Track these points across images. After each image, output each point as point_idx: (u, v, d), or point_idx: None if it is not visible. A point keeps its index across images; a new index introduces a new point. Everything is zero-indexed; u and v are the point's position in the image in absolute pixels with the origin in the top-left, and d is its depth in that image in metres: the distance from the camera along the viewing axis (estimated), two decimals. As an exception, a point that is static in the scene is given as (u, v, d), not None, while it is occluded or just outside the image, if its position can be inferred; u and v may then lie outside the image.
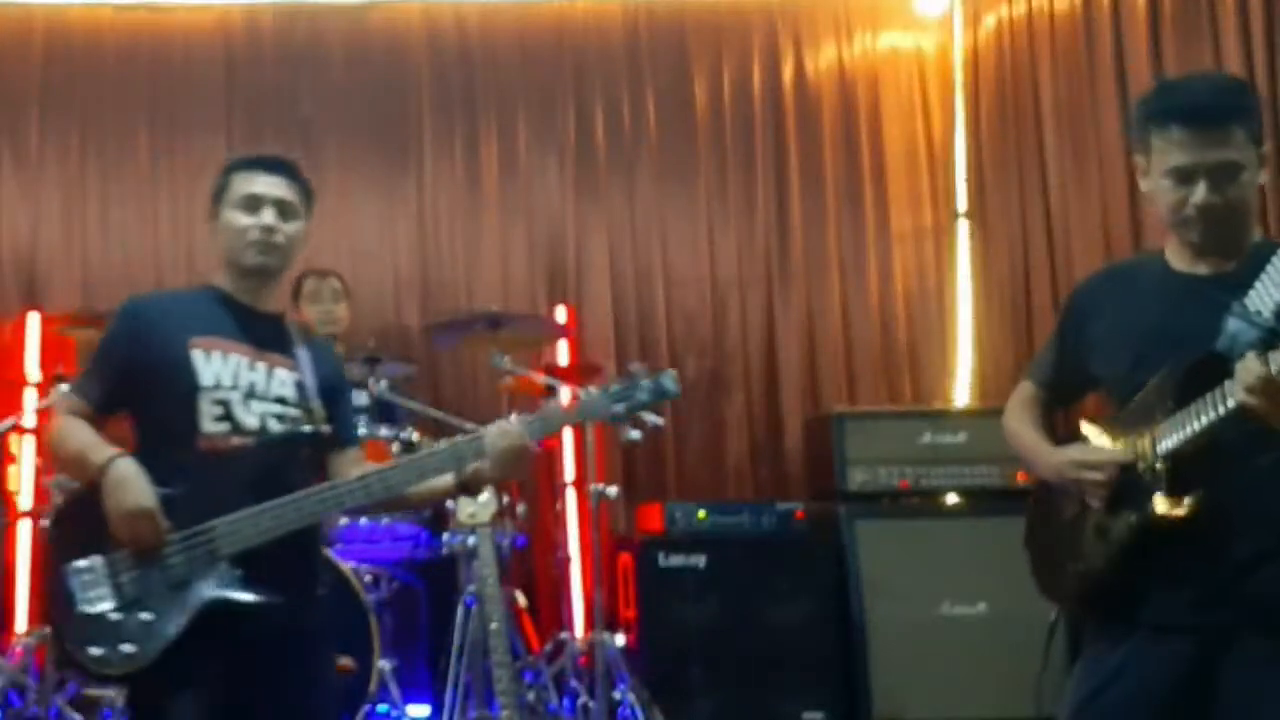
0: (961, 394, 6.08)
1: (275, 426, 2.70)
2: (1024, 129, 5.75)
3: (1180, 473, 2.23)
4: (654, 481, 5.88)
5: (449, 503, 4.46)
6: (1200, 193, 2.27)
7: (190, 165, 5.93)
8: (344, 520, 4.57)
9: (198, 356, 2.68)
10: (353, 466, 2.83)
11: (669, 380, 2.78)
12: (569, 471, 5.54)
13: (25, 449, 5.15)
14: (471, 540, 4.26)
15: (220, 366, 2.69)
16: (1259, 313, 2.19)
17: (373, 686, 4.27)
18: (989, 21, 6.06)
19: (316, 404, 2.76)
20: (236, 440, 2.66)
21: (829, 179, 6.23)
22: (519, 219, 6.08)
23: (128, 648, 2.52)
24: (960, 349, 6.15)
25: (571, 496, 5.46)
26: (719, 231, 6.17)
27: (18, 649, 4.64)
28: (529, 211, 6.09)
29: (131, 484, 2.56)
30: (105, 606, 2.54)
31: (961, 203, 6.21)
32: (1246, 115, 2.30)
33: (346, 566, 4.39)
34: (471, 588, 4.35)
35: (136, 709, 2.66)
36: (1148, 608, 2.31)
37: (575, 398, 2.88)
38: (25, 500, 5.12)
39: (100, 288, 5.74)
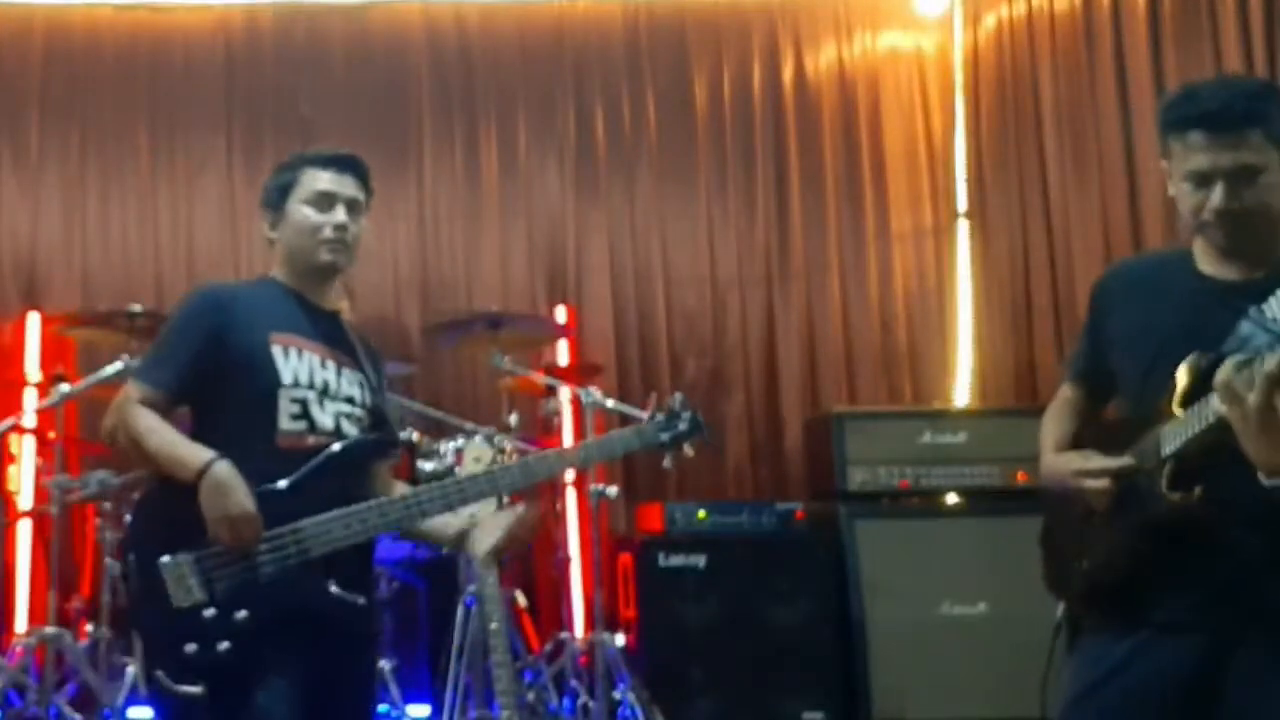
0: (961, 394, 6.08)
1: (347, 427, 2.71)
2: (1024, 129, 5.76)
3: (1184, 474, 2.22)
4: (654, 481, 5.86)
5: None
6: (1218, 195, 2.27)
7: (190, 165, 5.94)
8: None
9: (278, 353, 2.67)
10: (389, 473, 2.85)
11: (699, 418, 2.93)
12: (569, 471, 5.53)
13: (25, 449, 5.15)
14: (471, 540, 4.25)
15: (298, 364, 2.68)
16: (1275, 319, 2.18)
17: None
18: (989, 21, 6.06)
19: (388, 405, 2.80)
20: (312, 440, 2.65)
21: (829, 179, 6.23)
22: (519, 219, 6.08)
23: (223, 645, 2.50)
24: (960, 349, 6.15)
25: (571, 496, 5.46)
26: (719, 231, 6.17)
27: (18, 649, 4.63)
28: (529, 211, 6.09)
29: (234, 487, 2.52)
30: (199, 602, 2.52)
31: (961, 203, 6.21)
32: (1265, 118, 2.28)
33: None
34: (471, 588, 4.35)
35: (220, 702, 2.59)
36: (1153, 607, 2.31)
37: (623, 426, 3.01)
38: (25, 500, 5.12)
39: (100, 288, 5.74)
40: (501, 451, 4.54)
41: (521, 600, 4.90)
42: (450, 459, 4.57)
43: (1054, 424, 2.59)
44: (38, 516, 4.99)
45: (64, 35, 5.98)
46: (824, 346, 6.11)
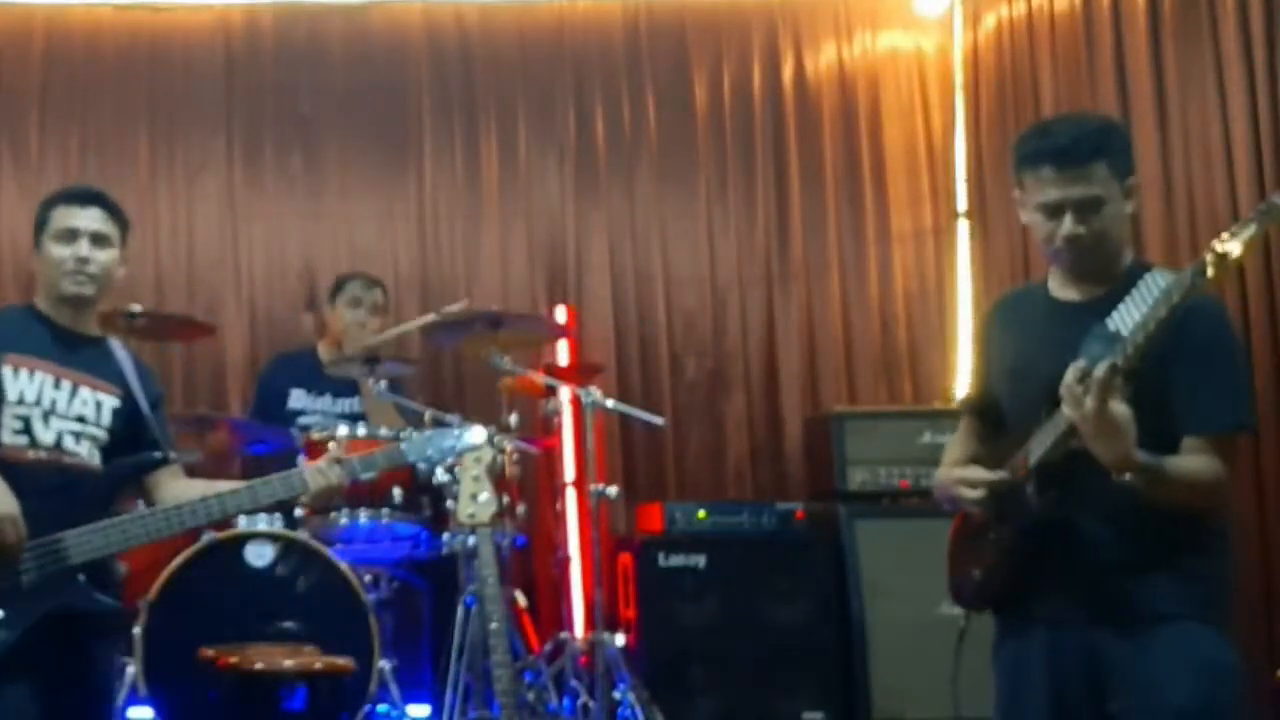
0: (961, 394, 6.06)
1: (71, 443, 2.96)
2: (1024, 129, 5.74)
3: (1049, 480, 2.45)
4: (654, 481, 5.88)
5: (449, 503, 4.47)
6: (1067, 225, 2.49)
7: (190, 165, 5.94)
8: (344, 520, 4.58)
9: (8, 373, 2.96)
10: (174, 483, 3.09)
11: (480, 433, 3.24)
12: (569, 471, 5.53)
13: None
14: (471, 540, 4.25)
15: (27, 383, 2.97)
16: (1117, 331, 2.35)
17: (373, 686, 4.26)
18: (989, 21, 6.06)
19: (153, 421, 3.06)
20: (32, 454, 2.93)
21: (829, 179, 6.23)
22: (519, 219, 6.08)
23: None
24: (960, 349, 6.14)
25: (571, 496, 5.46)
26: (719, 231, 6.17)
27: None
28: (529, 211, 6.09)
29: None
30: None
31: (961, 203, 6.21)
32: (1110, 152, 2.51)
33: (346, 566, 4.38)
34: (472, 588, 4.35)
35: None
36: (1037, 605, 2.56)
37: (394, 440, 3.41)
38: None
39: (100, 288, 5.74)
40: (501, 451, 4.55)
41: (521, 600, 4.90)
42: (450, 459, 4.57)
43: (953, 448, 2.83)
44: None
45: (64, 35, 5.97)
46: (824, 346, 6.11)
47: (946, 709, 4.81)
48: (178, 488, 3.08)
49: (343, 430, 4.68)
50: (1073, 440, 2.35)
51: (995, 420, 2.72)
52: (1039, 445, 2.45)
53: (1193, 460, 2.41)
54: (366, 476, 3.14)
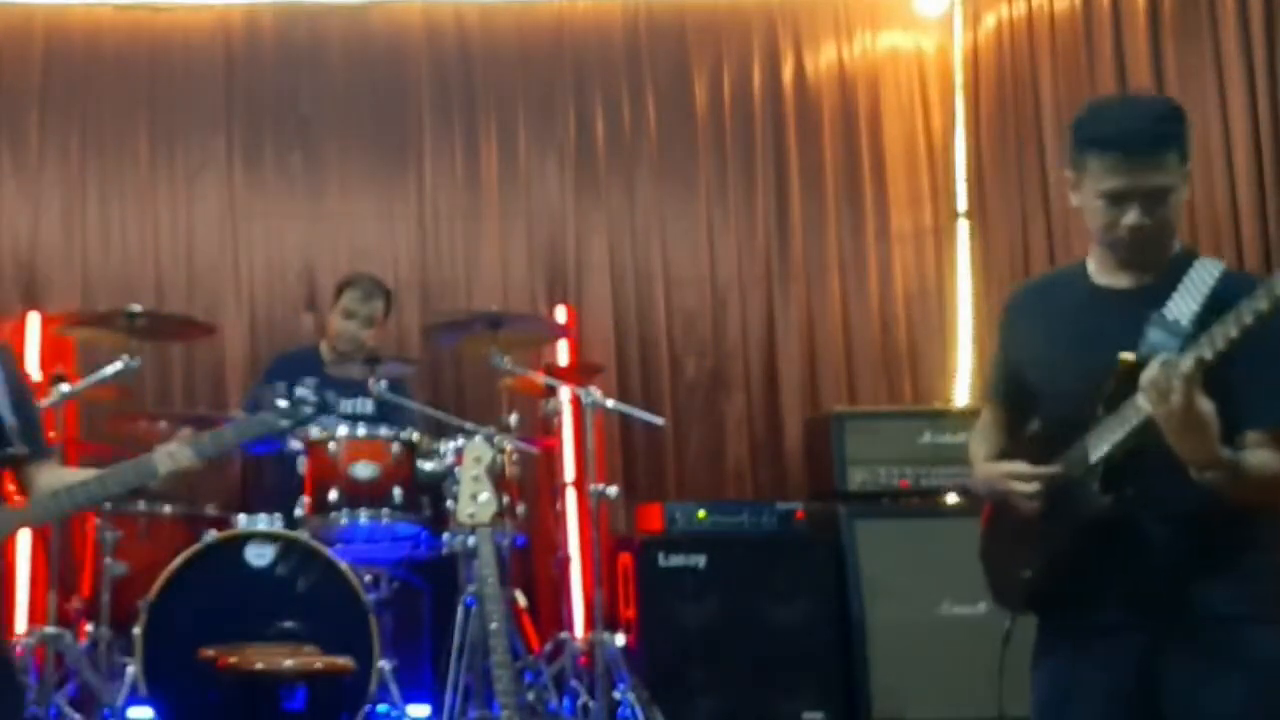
0: (961, 394, 6.07)
1: None
2: (1024, 129, 5.75)
3: (1112, 477, 2.33)
4: (654, 481, 5.88)
5: (449, 503, 4.47)
6: (1133, 215, 2.37)
7: (190, 165, 5.94)
8: (344, 520, 4.58)
9: None
10: (49, 476, 2.97)
11: (332, 398, 3.12)
12: (569, 471, 5.53)
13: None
14: (471, 540, 4.25)
15: None
16: (1177, 321, 2.27)
17: (373, 686, 4.26)
18: (989, 21, 6.06)
19: (10, 417, 2.94)
20: None
21: (829, 179, 6.23)
22: (519, 219, 6.08)
23: None
24: (960, 349, 6.14)
25: (571, 496, 5.46)
26: (719, 231, 6.17)
27: (18, 649, 4.63)
28: (529, 211, 6.09)
29: None
30: None
31: (961, 203, 6.21)
32: (1179, 140, 2.39)
33: (346, 566, 4.38)
34: (471, 588, 4.35)
35: None
36: (1092, 610, 2.42)
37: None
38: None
39: (100, 288, 5.74)
40: (501, 451, 4.55)
41: (521, 600, 4.90)
42: (450, 459, 4.58)
43: (981, 442, 2.71)
44: (37, 516, 4.98)
45: (64, 35, 5.97)
46: (824, 346, 6.11)
47: (947, 709, 4.86)
48: (53, 478, 2.97)
49: (342, 430, 4.69)
50: (1147, 435, 2.24)
51: (1022, 411, 2.62)
52: (1102, 440, 2.33)
53: (1264, 455, 2.30)
54: (215, 452, 3.00)
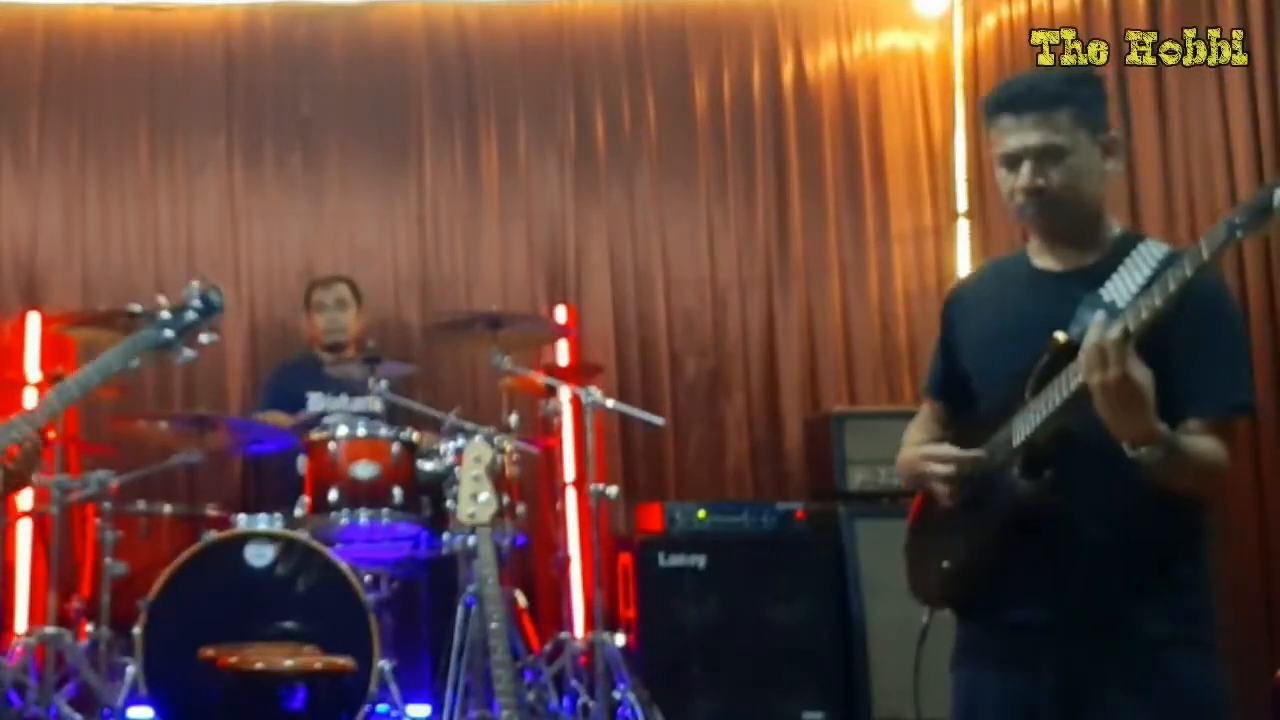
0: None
1: None
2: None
3: (1035, 462, 2.23)
4: (654, 481, 5.88)
5: (449, 503, 4.47)
6: (1024, 174, 2.31)
7: (190, 165, 5.94)
8: (344, 520, 4.58)
9: None
10: None
11: (215, 295, 2.85)
12: (569, 471, 5.54)
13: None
14: (471, 540, 4.25)
15: None
16: (1113, 302, 2.18)
17: (373, 686, 4.27)
18: (989, 21, 6.05)
19: None
20: None
21: (829, 179, 6.23)
22: (519, 219, 6.07)
23: None
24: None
25: (571, 496, 5.46)
26: (719, 231, 6.17)
27: (18, 649, 4.64)
28: (529, 211, 6.09)
29: None
30: None
31: (961, 203, 6.21)
32: (1075, 100, 2.31)
33: (346, 566, 4.39)
34: (471, 588, 4.35)
35: None
36: (1008, 607, 2.31)
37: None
38: (25, 500, 5.12)
39: (100, 288, 5.74)
40: (501, 451, 4.55)
41: (521, 600, 4.90)
42: (450, 459, 4.58)
43: (916, 431, 2.61)
44: (38, 516, 4.99)
45: (64, 35, 5.97)
46: (824, 346, 6.11)
47: (946, 709, 4.85)
48: None
49: (342, 430, 4.69)
50: (1072, 416, 2.14)
51: (963, 403, 2.50)
52: (1026, 422, 2.22)
53: (1204, 442, 2.19)
54: (42, 421, 2.87)
